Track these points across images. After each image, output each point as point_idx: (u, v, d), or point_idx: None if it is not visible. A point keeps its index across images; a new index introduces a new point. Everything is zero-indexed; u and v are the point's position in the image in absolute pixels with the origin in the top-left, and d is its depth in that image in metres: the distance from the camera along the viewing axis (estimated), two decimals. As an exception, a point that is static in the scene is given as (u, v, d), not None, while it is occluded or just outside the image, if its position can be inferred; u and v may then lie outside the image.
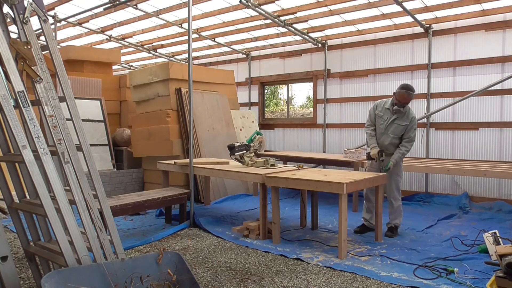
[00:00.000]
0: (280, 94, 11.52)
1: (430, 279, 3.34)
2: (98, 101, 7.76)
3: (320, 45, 7.98)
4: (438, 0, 5.94)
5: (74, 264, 2.46)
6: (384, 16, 6.61)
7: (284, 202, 6.31)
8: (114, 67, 10.10)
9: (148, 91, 7.10)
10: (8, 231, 4.75)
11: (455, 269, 3.44)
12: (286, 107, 9.49)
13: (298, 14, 6.89)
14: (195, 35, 8.16)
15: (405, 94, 4.38)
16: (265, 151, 6.86)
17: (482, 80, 6.29)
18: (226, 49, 9.24)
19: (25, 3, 2.56)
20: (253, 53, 9.28)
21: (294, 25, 7.24)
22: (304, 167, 5.11)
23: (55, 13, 7.29)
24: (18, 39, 2.59)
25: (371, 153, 4.62)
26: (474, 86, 6.33)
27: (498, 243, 3.68)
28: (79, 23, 7.87)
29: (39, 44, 2.62)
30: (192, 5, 5.52)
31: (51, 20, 7.33)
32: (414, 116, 4.53)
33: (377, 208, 4.46)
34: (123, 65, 11.32)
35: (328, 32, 7.68)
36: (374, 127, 4.70)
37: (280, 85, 10.01)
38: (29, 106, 2.45)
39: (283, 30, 7.66)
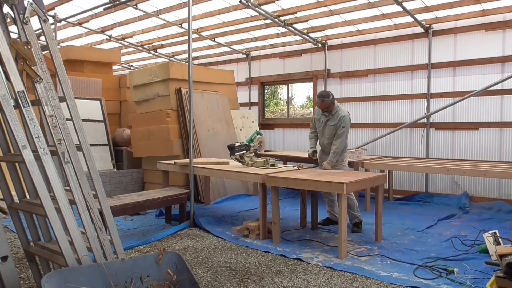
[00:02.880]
0: (280, 94, 11.52)
1: (430, 279, 3.34)
2: (98, 101, 7.76)
3: (320, 45, 7.98)
4: (438, 0, 5.94)
5: (74, 264, 2.46)
6: (384, 16, 6.61)
7: (284, 202, 6.30)
8: (114, 67, 10.10)
9: (148, 91, 7.10)
10: (8, 231, 4.76)
11: (455, 269, 3.44)
12: (286, 107, 9.49)
13: (298, 14, 6.89)
14: (195, 35, 8.16)
15: (319, 102, 4.86)
16: (265, 151, 6.86)
17: (482, 80, 6.29)
18: (226, 49, 9.24)
19: (25, 3, 2.56)
20: (253, 53, 9.28)
21: (294, 25, 7.24)
22: (304, 167, 5.12)
23: (55, 13, 7.29)
24: (18, 39, 2.59)
25: (308, 153, 5.23)
26: (474, 86, 6.33)
27: (498, 243, 3.68)
28: (79, 23, 7.87)
29: (39, 44, 2.62)
30: (192, 5, 5.52)
31: (51, 20, 7.33)
32: (343, 115, 4.84)
33: (377, 207, 4.46)
34: (123, 65, 11.32)
35: (328, 32, 7.68)
36: (315, 130, 5.18)
37: (280, 85, 10.01)
38: (29, 106, 2.45)
39: (283, 30, 7.66)
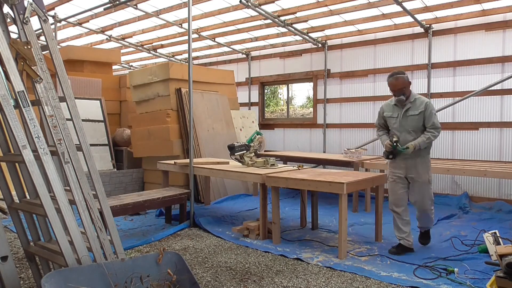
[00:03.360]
0: (280, 94, 11.52)
1: (430, 279, 3.34)
2: (98, 101, 7.76)
3: (320, 45, 7.98)
4: (438, 0, 5.94)
5: (74, 264, 2.46)
6: (384, 16, 6.61)
7: (284, 202, 6.30)
8: (114, 67, 10.09)
9: (148, 91, 7.10)
10: (8, 231, 4.76)
11: (455, 269, 3.44)
12: (286, 107, 9.49)
13: (298, 14, 6.89)
14: (195, 35, 8.16)
15: (393, 80, 3.98)
16: (265, 151, 6.86)
17: (482, 80, 6.29)
18: (226, 49, 9.23)
19: (25, 3, 2.56)
20: (253, 53, 9.28)
21: (294, 25, 7.24)
22: (304, 167, 5.12)
23: (55, 13, 7.29)
24: (18, 39, 2.59)
25: (385, 144, 4.03)
26: (474, 86, 6.33)
27: (498, 243, 3.68)
28: (79, 23, 7.87)
29: (39, 44, 2.62)
30: (192, 5, 5.52)
31: (51, 20, 7.33)
32: (428, 101, 3.96)
33: (377, 207, 4.46)
34: (123, 65, 11.32)
35: (328, 32, 7.68)
36: (383, 129, 4.25)
37: (280, 85, 10.01)
38: (29, 106, 2.45)
39: (283, 30, 7.66)
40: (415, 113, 3.93)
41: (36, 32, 3.14)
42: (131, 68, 11.27)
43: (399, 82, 3.94)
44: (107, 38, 8.73)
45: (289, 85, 9.28)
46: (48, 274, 2.29)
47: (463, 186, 6.44)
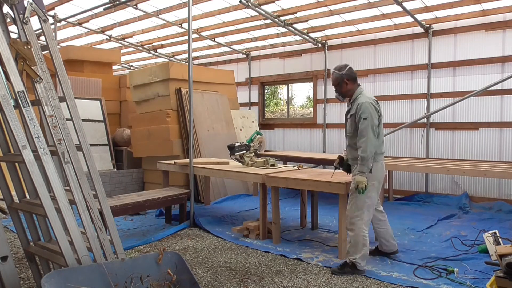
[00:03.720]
0: (280, 94, 11.53)
1: (430, 279, 3.34)
2: (98, 101, 7.76)
3: (320, 45, 7.98)
4: (438, 0, 5.95)
5: (74, 264, 2.46)
6: (384, 16, 6.61)
7: (284, 202, 6.30)
8: (114, 67, 10.10)
9: (148, 91, 7.10)
10: (8, 231, 4.75)
11: (455, 269, 3.44)
12: (286, 107, 9.50)
13: (298, 14, 6.89)
14: (195, 35, 8.16)
15: (331, 75, 3.64)
16: (265, 151, 6.86)
17: (482, 80, 6.29)
18: (226, 49, 9.24)
19: (25, 3, 2.56)
20: (253, 53, 9.28)
21: (294, 25, 7.24)
22: (304, 167, 5.12)
23: (55, 13, 7.29)
24: (18, 39, 2.60)
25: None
26: (474, 86, 6.33)
27: (498, 243, 3.68)
28: (79, 23, 7.87)
29: (39, 44, 2.62)
30: (192, 5, 5.52)
31: (51, 20, 7.33)
32: (362, 102, 3.41)
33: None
34: (123, 65, 11.32)
35: (328, 32, 7.68)
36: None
37: (280, 85, 10.01)
38: (29, 106, 2.45)
39: (283, 30, 7.66)
40: (352, 114, 3.57)
41: (36, 32, 3.14)
42: (131, 68, 11.27)
43: (331, 78, 3.57)
44: (107, 38, 8.73)
45: (289, 85, 9.28)
46: (48, 274, 2.29)
47: (463, 186, 6.44)
